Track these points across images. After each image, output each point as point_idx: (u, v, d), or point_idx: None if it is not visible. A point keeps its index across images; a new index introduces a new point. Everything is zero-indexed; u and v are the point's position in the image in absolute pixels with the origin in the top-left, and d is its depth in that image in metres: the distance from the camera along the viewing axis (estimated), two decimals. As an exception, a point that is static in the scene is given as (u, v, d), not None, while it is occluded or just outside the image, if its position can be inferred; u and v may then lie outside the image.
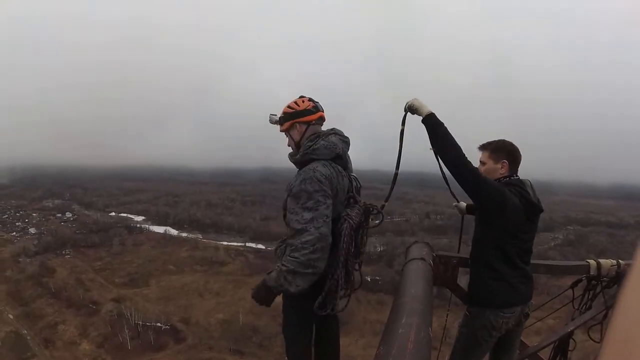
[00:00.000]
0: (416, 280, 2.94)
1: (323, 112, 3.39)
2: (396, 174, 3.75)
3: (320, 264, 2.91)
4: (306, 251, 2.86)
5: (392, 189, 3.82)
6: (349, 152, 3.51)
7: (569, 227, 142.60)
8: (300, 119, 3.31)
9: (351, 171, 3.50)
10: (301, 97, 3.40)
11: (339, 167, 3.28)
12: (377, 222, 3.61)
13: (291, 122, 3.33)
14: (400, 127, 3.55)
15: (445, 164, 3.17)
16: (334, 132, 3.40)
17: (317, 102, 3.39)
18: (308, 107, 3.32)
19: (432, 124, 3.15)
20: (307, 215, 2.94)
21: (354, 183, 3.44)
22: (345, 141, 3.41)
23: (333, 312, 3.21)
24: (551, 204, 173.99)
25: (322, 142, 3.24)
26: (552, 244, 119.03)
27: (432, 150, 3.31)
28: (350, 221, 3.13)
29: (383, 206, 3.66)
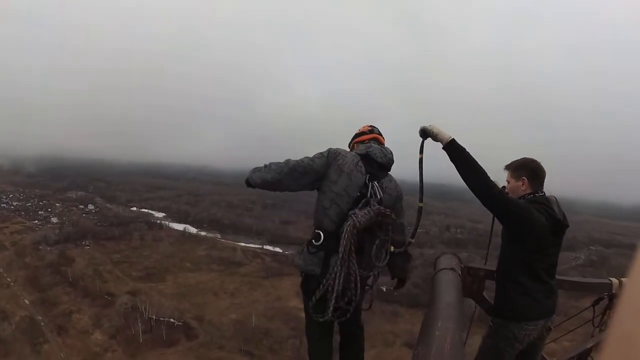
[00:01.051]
0: (448, 289, 3.02)
1: (380, 135, 3.86)
2: (420, 208, 3.76)
3: (264, 174, 3.54)
4: (268, 165, 3.57)
5: (417, 225, 3.81)
6: (391, 175, 3.75)
7: (591, 247, 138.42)
8: (358, 139, 3.84)
9: (384, 187, 3.54)
10: (366, 125, 3.96)
11: (361, 163, 3.46)
12: (397, 250, 3.68)
13: (353, 142, 3.91)
14: (419, 156, 3.62)
15: (471, 189, 3.20)
16: (380, 144, 3.75)
17: (376, 127, 3.91)
18: (364, 130, 3.88)
19: (455, 150, 3.22)
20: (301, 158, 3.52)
21: (378, 192, 3.44)
22: (385, 153, 3.62)
23: (336, 319, 3.38)
24: (574, 223, 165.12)
25: (364, 145, 3.68)
26: (574, 264, 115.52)
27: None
28: (355, 219, 3.19)
29: (410, 243, 3.82)
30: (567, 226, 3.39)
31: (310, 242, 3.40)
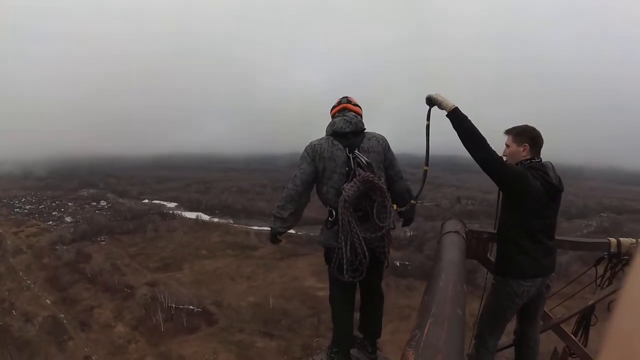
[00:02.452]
0: (452, 248, 3.32)
1: (348, 103, 3.99)
2: (426, 171, 3.86)
3: (283, 212, 3.82)
4: (279, 203, 3.84)
5: (422, 186, 3.94)
6: (368, 132, 3.95)
7: (602, 214, 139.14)
8: (332, 113, 4.05)
9: (366, 149, 3.78)
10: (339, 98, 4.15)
11: (335, 141, 3.78)
12: (397, 208, 3.94)
13: (331, 115, 4.07)
14: (425, 123, 3.72)
15: (472, 156, 3.32)
16: (341, 114, 3.93)
17: (345, 97, 4.05)
18: (335, 104, 4.06)
19: (457, 118, 3.33)
20: (294, 174, 3.83)
21: (360, 159, 3.68)
22: (348, 121, 3.82)
23: (353, 280, 3.77)
24: (585, 189, 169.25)
25: (331, 122, 3.93)
26: (586, 231, 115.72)
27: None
28: (344, 194, 3.54)
29: (414, 205, 4.00)
30: (562, 190, 3.55)
31: (327, 220, 3.84)
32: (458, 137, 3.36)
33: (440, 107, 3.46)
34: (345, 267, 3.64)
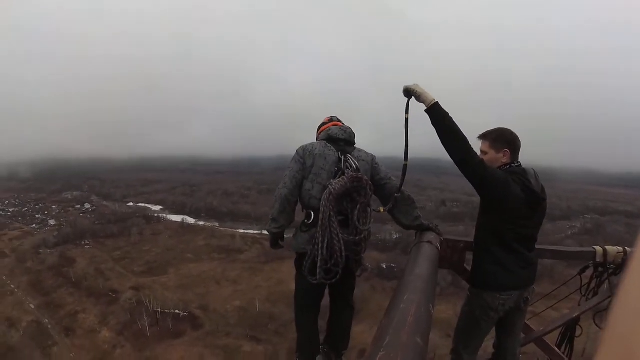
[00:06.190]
0: (422, 261, 3.02)
1: (338, 121, 4.13)
2: (405, 166, 3.83)
3: (274, 212, 3.72)
4: (272, 205, 3.76)
5: (402, 180, 3.91)
6: (357, 145, 3.99)
7: (586, 215, 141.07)
8: (321, 130, 4.09)
9: (355, 157, 3.80)
10: (326, 117, 4.26)
11: (329, 144, 3.79)
12: (383, 208, 3.92)
13: (317, 134, 4.13)
14: (404, 116, 3.53)
15: (451, 156, 3.16)
16: (337, 125, 4.03)
17: (335, 116, 4.22)
18: (325, 121, 4.15)
19: (437, 114, 3.16)
20: (284, 175, 3.74)
21: (351, 162, 3.69)
22: (344, 129, 3.92)
23: (325, 282, 3.58)
24: (567, 191, 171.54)
25: (325, 131, 3.97)
26: (570, 233, 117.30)
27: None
28: (330, 187, 3.44)
29: (396, 198, 3.91)
30: (544, 199, 3.37)
31: (302, 223, 3.69)
32: (437, 135, 3.19)
33: (419, 99, 3.28)
34: (318, 266, 3.46)
